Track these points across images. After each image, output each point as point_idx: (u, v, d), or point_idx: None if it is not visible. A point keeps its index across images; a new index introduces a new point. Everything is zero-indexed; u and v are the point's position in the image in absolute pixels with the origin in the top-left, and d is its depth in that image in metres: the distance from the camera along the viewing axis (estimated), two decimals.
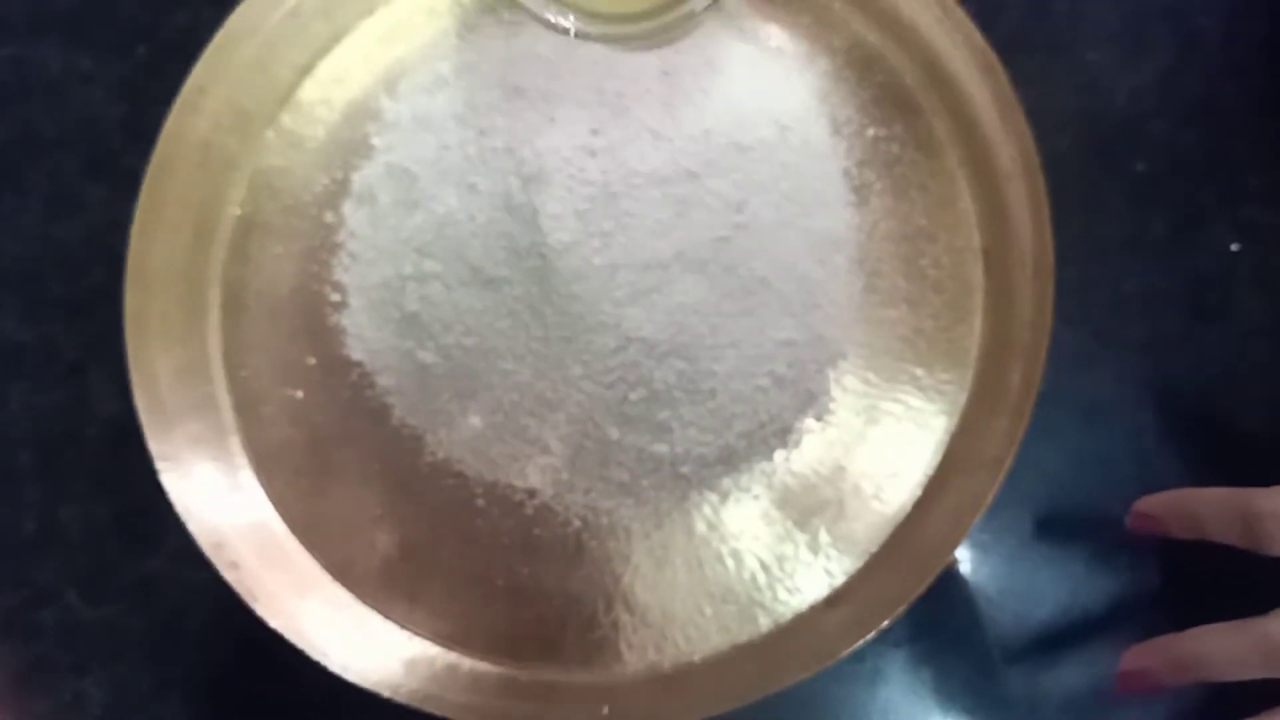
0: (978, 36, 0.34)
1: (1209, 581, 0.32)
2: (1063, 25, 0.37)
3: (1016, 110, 0.33)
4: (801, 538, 0.33)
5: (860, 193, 0.35)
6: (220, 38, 0.34)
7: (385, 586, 0.33)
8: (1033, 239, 0.33)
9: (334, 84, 0.36)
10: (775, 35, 0.36)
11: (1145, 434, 0.35)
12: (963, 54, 0.34)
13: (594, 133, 0.33)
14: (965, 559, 0.35)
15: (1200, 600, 0.33)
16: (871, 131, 0.35)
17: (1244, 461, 0.34)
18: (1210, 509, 0.29)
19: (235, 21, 0.34)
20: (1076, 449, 0.35)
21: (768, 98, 0.34)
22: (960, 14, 0.34)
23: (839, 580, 0.33)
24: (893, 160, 0.35)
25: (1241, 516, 0.28)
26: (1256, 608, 0.28)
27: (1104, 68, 0.37)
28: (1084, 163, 0.36)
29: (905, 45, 0.35)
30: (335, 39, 0.36)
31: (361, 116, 0.35)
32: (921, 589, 0.31)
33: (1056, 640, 0.34)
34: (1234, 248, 0.35)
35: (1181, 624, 0.30)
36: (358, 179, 0.35)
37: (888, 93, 0.36)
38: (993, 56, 0.33)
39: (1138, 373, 0.35)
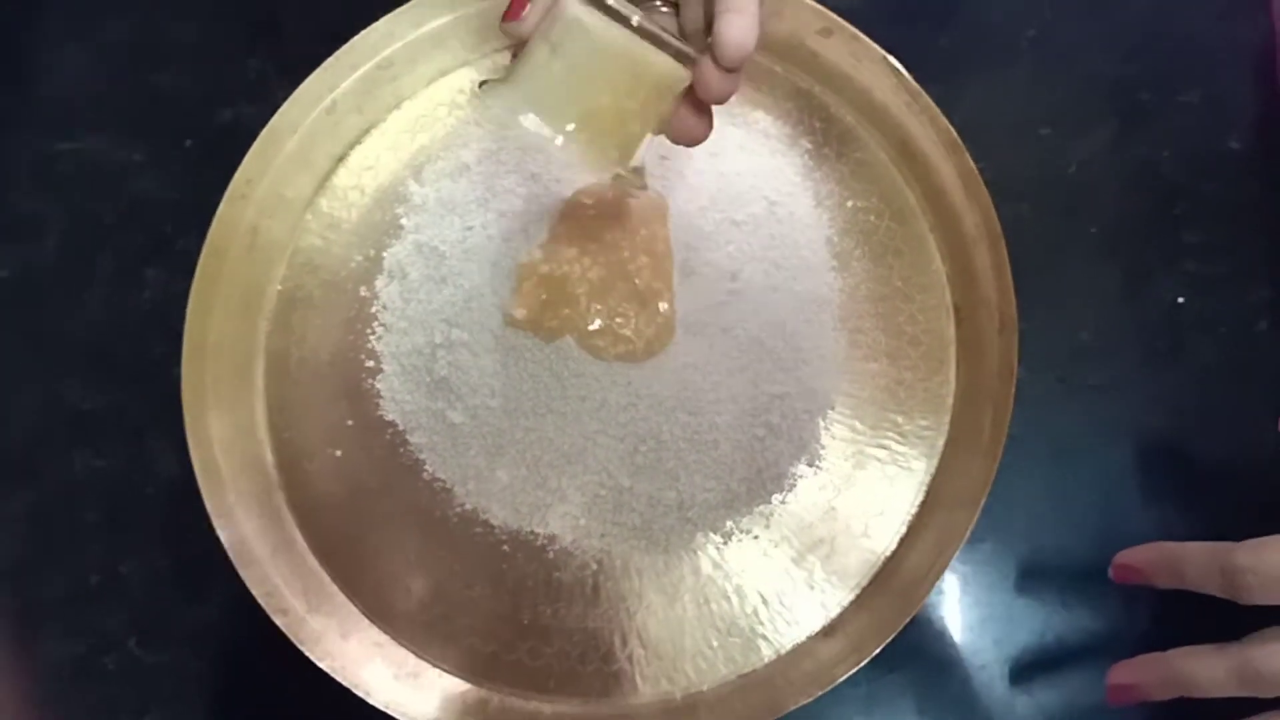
0: (942, 119, 0.37)
1: (1174, 606, 0.34)
2: (1018, 103, 0.41)
3: (978, 183, 0.37)
4: (799, 573, 0.36)
5: (842, 258, 0.39)
6: (266, 134, 0.38)
7: (420, 627, 0.36)
8: (998, 297, 0.36)
9: (365, 171, 0.40)
10: (762, 119, 0.40)
11: (1108, 469, 0.38)
12: (929, 134, 0.38)
13: None
14: (948, 589, 0.38)
15: (1165, 622, 0.36)
16: (851, 203, 0.39)
17: (1198, 490, 0.38)
18: (1191, 563, 0.31)
19: (279, 119, 0.38)
20: (1046, 485, 0.38)
21: (757, 176, 0.38)
22: (926, 99, 0.38)
23: (834, 612, 0.36)
24: (870, 228, 0.39)
25: (1221, 570, 0.30)
26: (1218, 629, 0.31)
27: (1056, 141, 0.41)
28: (1042, 226, 0.40)
29: (878, 125, 0.39)
30: (366, 130, 0.40)
31: (391, 200, 0.39)
32: (909, 617, 0.34)
33: (1034, 663, 0.37)
34: (1179, 299, 0.39)
35: (1150, 645, 0.32)
36: (389, 256, 0.38)
37: (864, 168, 0.39)
38: (955, 135, 0.37)
39: (1098, 413, 0.38)
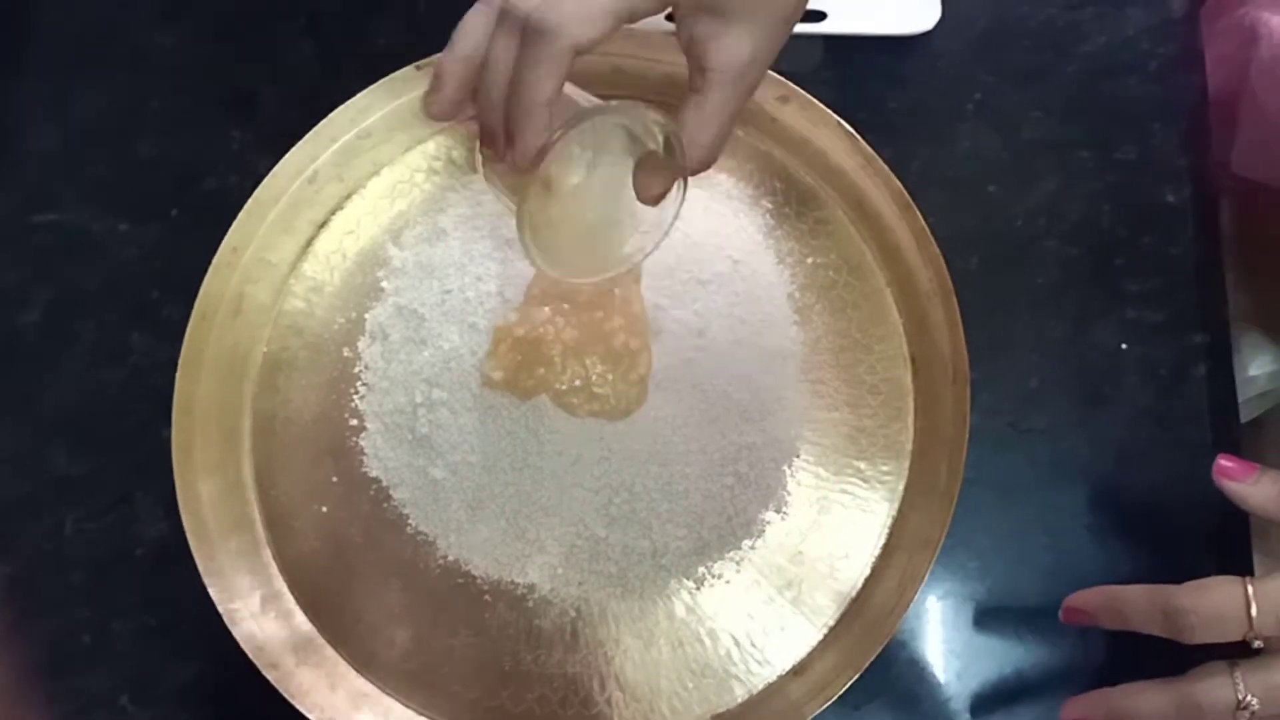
0: (894, 179, 0.40)
1: (1125, 639, 0.36)
2: (965, 164, 0.43)
3: (930, 241, 0.39)
4: (769, 615, 0.38)
5: (803, 313, 0.40)
6: (251, 204, 0.39)
7: (405, 676, 0.37)
8: (950, 350, 0.38)
9: (347, 235, 0.41)
10: (724, 181, 0.42)
11: (1057, 508, 0.40)
12: (883, 194, 0.40)
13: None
14: (911, 627, 0.39)
15: (1117, 653, 0.38)
16: (811, 260, 0.41)
17: (1141, 526, 0.40)
18: (1134, 605, 0.33)
19: (263, 190, 0.39)
20: (999, 524, 0.40)
21: (721, 236, 0.40)
22: (879, 161, 0.40)
23: (803, 652, 0.37)
24: (829, 283, 0.41)
25: (1163, 611, 0.32)
26: (1167, 661, 0.33)
27: (1002, 197, 0.43)
28: (991, 278, 0.42)
29: (835, 186, 0.41)
30: (347, 196, 0.41)
31: (372, 263, 0.41)
32: (875, 655, 0.35)
33: (994, 696, 0.38)
34: (1121, 346, 0.42)
35: (1103, 676, 0.34)
36: (371, 318, 0.40)
37: (823, 226, 0.41)
38: (907, 196, 0.39)
39: (1046, 455, 0.41)
